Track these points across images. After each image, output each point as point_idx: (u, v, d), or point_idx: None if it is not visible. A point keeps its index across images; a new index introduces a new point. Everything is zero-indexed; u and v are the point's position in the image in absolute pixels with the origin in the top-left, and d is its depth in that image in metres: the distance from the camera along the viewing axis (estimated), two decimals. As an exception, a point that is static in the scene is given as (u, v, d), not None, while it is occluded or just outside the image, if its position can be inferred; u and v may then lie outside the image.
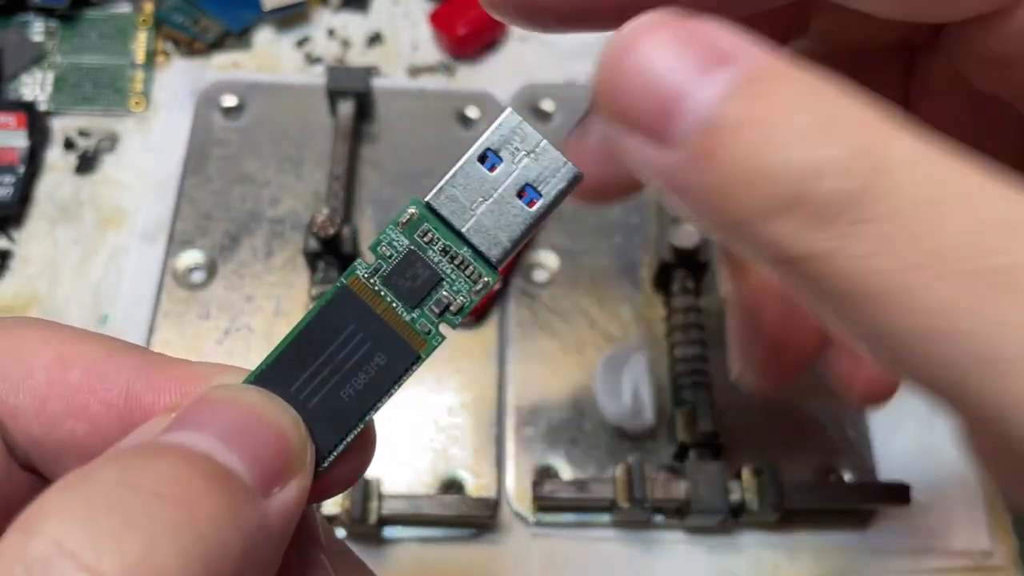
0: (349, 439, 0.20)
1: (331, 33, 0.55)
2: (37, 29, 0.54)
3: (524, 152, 0.20)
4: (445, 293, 0.20)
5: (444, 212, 0.19)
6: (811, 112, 0.17)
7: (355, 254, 0.46)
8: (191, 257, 0.47)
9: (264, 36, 0.54)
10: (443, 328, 0.20)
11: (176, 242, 0.48)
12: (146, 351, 0.22)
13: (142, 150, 0.51)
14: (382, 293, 0.20)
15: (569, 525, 0.42)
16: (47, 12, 0.54)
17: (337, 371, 0.19)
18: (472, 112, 0.51)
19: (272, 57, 0.54)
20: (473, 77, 0.54)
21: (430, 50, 0.54)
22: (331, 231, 0.44)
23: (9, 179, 0.48)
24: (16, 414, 0.20)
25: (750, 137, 0.17)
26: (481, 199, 0.19)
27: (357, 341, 0.19)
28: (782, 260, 0.17)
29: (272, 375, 0.20)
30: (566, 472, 0.43)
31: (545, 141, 0.20)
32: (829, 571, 0.41)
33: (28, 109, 0.50)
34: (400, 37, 0.55)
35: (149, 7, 0.54)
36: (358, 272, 0.20)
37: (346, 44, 0.54)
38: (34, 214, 0.49)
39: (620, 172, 0.26)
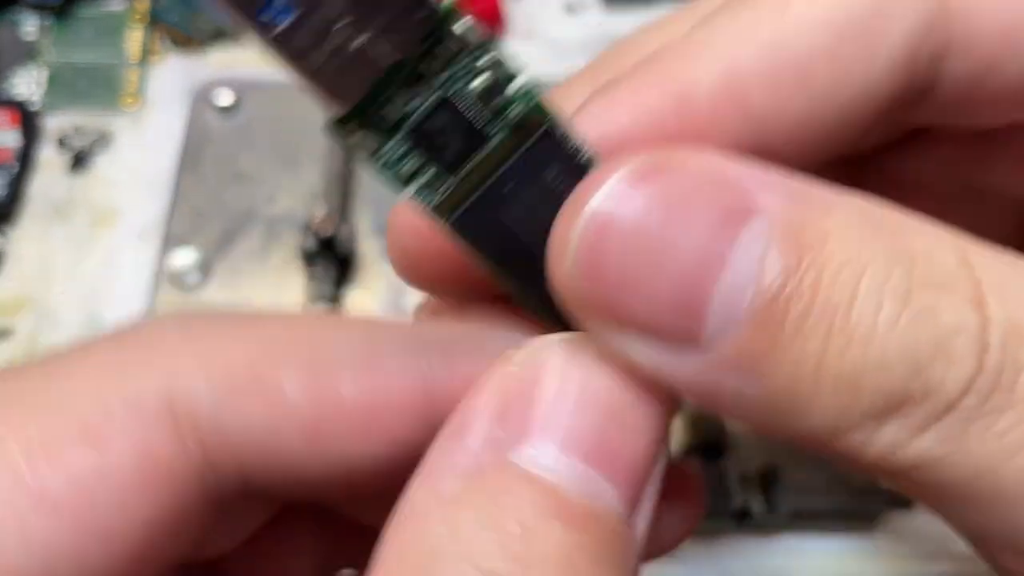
0: None
1: (328, 30, 0.54)
2: (30, 27, 0.53)
3: None
4: (474, 84, 0.16)
5: (351, 94, 0.15)
6: (890, 266, 0.13)
7: (351, 254, 0.46)
8: (186, 256, 0.47)
9: (260, 33, 0.54)
10: (519, 84, 0.16)
11: (170, 241, 0.47)
12: (419, 325, 0.18)
13: (136, 148, 0.50)
14: (470, 169, 0.16)
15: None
16: (40, 8, 0.53)
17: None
18: (471, 109, 0.51)
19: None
20: (472, 74, 0.53)
21: (428, 47, 0.54)
22: (330, 230, 0.44)
23: (2, 178, 0.48)
24: (269, 456, 0.17)
25: (818, 323, 0.13)
26: (328, 35, 0.15)
27: (525, 201, 0.16)
28: (881, 471, 0.14)
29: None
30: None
31: None
32: (835, 575, 0.41)
33: (21, 107, 0.49)
34: (398, 34, 0.54)
35: (144, 4, 0.54)
36: (436, 197, 0.16)
37: (343, 41, 0.54)
38: (27, 213, 0.48)
39: None
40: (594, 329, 0.15)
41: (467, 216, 0.16)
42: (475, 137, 0.16)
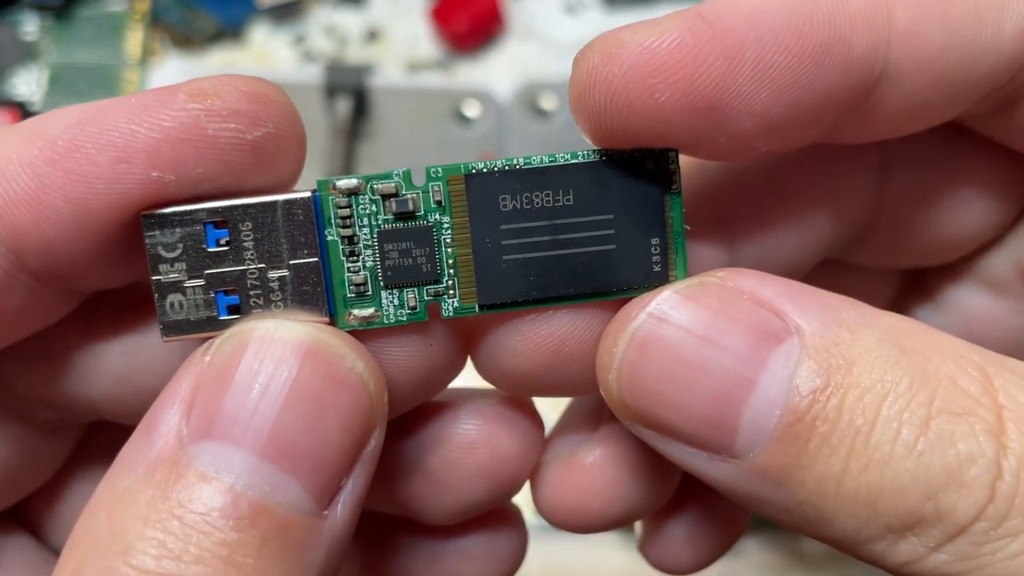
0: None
1: (328, 29, 0.54)
2: (30, 27, 0.53)
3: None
4: (381, 213, 0.18)
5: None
6: (912, 391, 0.14)
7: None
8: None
9: (260, 32, 0.54)
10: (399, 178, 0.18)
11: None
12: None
13: (137, 148, 0.50)
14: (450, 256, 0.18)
15: (571, 528, 0.42)
16: (40, 8, 0.53)
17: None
18: (469, 110, 0.51)
19: (268, 54, 0.53)
20: (472, 73, 0.53)
21: (428, 45, 0.54)
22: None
23: (2, 178, 0.48)
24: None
25: (840, 444, 0.14)
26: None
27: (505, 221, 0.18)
28: None
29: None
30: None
31: None
32: None
33: (21, 107, 0.49)
34: (398, 33, 0.54)
35: (144, 4, 0.54)
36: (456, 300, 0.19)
37: (343, 40, 0.54)
38: (27, 214, 0.48)
39: (640, 496, 0.22)
40: (638, 432, 0.16)
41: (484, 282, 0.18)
42: (425, 238, 0.18)
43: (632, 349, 0.16)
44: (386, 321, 0.18)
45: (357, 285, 0.18)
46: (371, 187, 0.18)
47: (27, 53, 0.52)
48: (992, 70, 0.17)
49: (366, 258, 0.18)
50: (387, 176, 0.18)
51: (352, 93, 0.49)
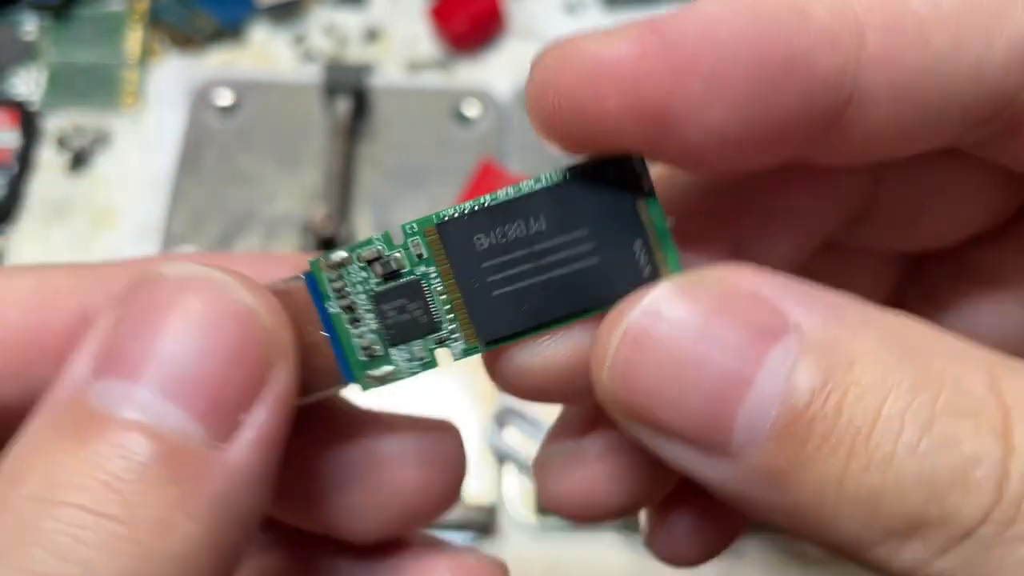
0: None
1: (328, 29, 0.54)
2: (30, 26, 0.53)
3: None
4: (371, 281, 0.19)
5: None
6: (915, 391, 0.14)
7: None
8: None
9: (259, 32, 0.54)
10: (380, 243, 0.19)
11: (170, 241, 0.47)
12: (88, 267, 0.18)
13: (135, 148, 0.50)
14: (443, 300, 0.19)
15: (571, 528, 0.41)
16: (40, 8, 0.53)
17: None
18: (469, 109, 0.51)
19: (267, 53, 0.53)
20: (472, 73, 0.53)
21: (428, 45, 0.54)
22: (330, 230, 0.44)
23: (1, 178, 0.48)
24: None
25: (839, 443, 0.14)
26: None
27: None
28: None
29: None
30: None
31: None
32: None
33: (21, 107, 0.49)
34: (397, 32, 0.54)
35: (143, 3, 0.54)
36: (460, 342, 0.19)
37: (343, 40, 0.54)
38: (26, 213, 0.48)
39: (631, 490, 0.22)
40: (632, 430, 0.16)
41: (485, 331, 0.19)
42: (416, 292, 0.19)
43: (626, 345, 0.16)
44: (400, 376, 0.19)
45: (366, 348, 0.19)
46: (356, 255, 0.18)
47: (26, 53, 0.52)
48: (977, 99, 0.16)
49: (368, 322, 0.19)
50: (368, 243, 0.18)
51: (352, 93, 0.49)
